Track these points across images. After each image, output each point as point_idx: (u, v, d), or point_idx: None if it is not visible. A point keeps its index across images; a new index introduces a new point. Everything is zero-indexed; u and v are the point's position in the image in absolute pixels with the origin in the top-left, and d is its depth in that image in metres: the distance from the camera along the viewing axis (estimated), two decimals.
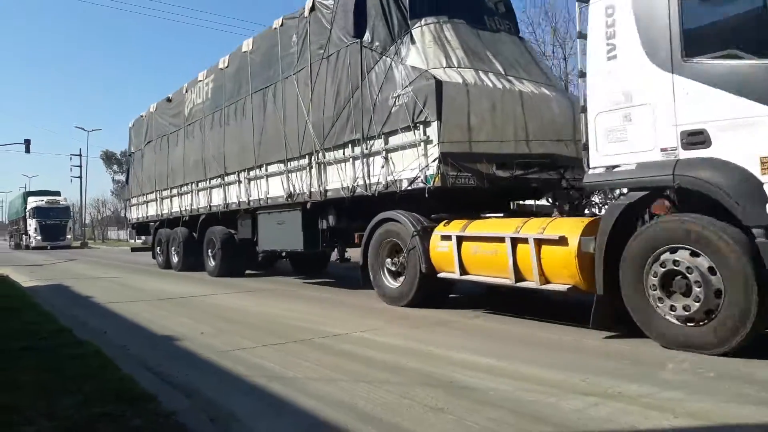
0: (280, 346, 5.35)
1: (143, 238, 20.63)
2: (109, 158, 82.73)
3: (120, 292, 10.24)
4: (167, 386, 3.95)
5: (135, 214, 18.31)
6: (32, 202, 41.78)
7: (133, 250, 21.11)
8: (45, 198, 42.45)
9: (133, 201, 18.37)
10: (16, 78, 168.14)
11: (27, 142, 37.96)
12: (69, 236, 42.23)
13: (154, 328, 6.53)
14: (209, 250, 12.85)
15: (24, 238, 42.76)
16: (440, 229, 7.03)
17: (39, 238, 39.34)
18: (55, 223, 40.52)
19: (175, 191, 14.80)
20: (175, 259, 14.55)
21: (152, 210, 16.50)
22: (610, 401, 3.53)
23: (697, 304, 4.47)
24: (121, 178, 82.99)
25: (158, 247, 15.80)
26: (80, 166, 52.31)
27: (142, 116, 17.69)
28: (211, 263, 12.77)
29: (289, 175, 9.89)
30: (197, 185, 13.54)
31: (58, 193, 46.85)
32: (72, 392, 3.66)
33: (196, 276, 12.81)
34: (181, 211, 14.37)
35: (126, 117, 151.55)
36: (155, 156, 16.13)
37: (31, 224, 40.61)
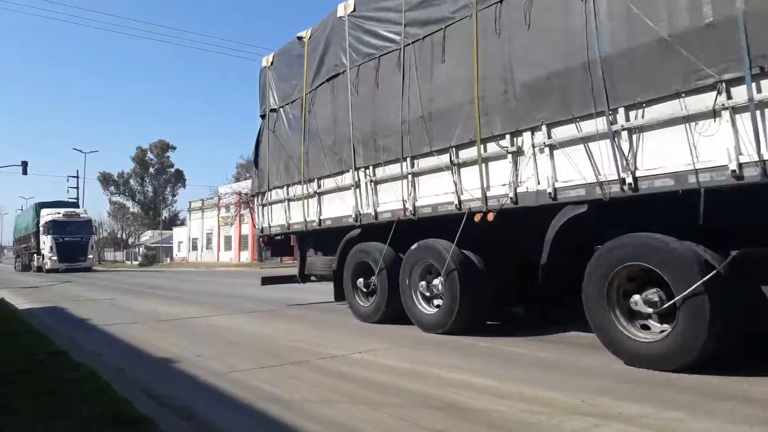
0: (279, 368, 5.31)
1: (280, 259, 13.00)
2: (106, 180, 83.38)
3: (116, 314, 10.18)
4: (165, 409, 3.91)
5: (276, 219, 10.37)
6: (47, 215, 35.05)
7: (266, 282, 11.39)
8: (62, 210, 35.86)
9: (273, 196, 10.39)
10: (14, 98, 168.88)
11: (24, 164, 38.24)
12: (90, 256, 35.49)
13: (150, 350, 6.48)
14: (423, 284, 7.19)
15: (35, 259, 36.38)
16: None
17: (54, 258, 33.02)
18: (75, 241, 33.91)
19: (389, 170, 7.69)
20: (368, 301, 8.29)
21: (334, 207, 8.78)
22: (611, 422, 3.50)
23: None
24: (119, 199, 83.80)
25: (352, 278, 8.45)
26: (77, 188, 52.41)
27: (310, 33, 9.28)
28: (431, 309, 7.15)
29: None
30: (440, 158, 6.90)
31: (76, 205, 41.47)
32: (69, 416, 3.61)
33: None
34: (406, 207, 7.39)
35: (123, 140, 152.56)
36: (338, 105, 8.53)
37: (45, 242, 34.10)
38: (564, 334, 6.60)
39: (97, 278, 25.51)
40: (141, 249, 65.96)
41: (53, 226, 34.13)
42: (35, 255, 36.73)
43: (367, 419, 3.68)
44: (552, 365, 5.21)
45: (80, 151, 56.03)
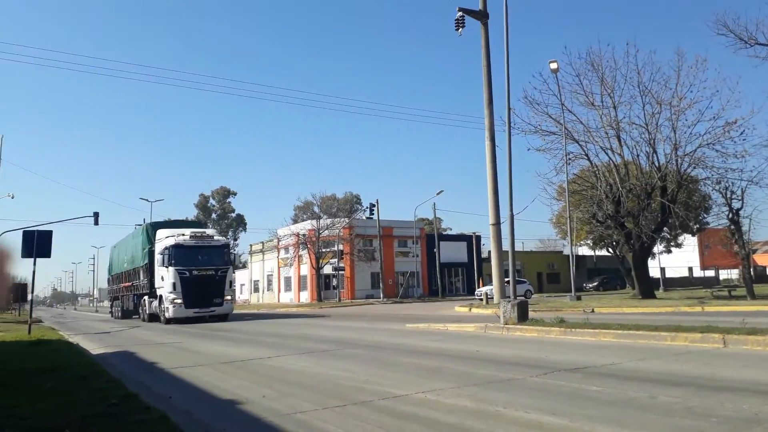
0: (341, 408, 5.27)
1: None
2: None
3: (182, 357, 10.42)
4: None
5: None
6: (165, 237, 23.91)
7: None
8: (188, 231, 24.35)
9: None
10: (84, 152, 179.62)
11: (96, 215, 39.97)
12: (228, 297, 23.98)
13: (216, 392, 6.57)
14: None
15: (147, 303, 25.67)
16: None
17: (179, 301, 22.39)
18: (208, 276, 23.19)
19: None
20: None
21: None
22: None
23: None
24: None
25: None
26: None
27: None
28: None
29: None
30: None
31: (201, 225, 31.28)
32: None
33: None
34: None
35: (187, 189, 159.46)
36: None
37: (165, 277, 22.98)
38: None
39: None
40: None
41: (177, 254, 22.72)
42: (146, 298, 25.91)
43: None
44: (624, 402, 4.95)
45: (147, 200, 58.31)
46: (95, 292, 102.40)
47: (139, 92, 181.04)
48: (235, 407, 5.64)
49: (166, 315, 22.84)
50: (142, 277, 27.26)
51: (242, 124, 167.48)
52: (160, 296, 23.78)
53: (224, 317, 23.85)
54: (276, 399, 5.92)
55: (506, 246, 16.81)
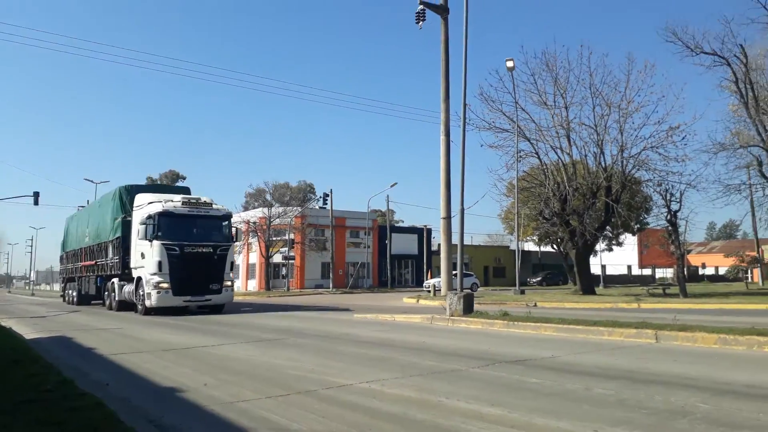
0: (284, 397, 5.25)
1: None
2: None
3: (122, 343, 10.14)
4: None
5: None
6: (148, 203, 18.83)
7: None
8: (178, 197, 19.30)
9: None
10: (26, 130, 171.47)
11: (36, 195, 38.41)
12: (229, 283, 18.87)
13: (156, 379, 6.43)
14: None
15: (117, 288, 20.29)
16: None
17: (166, 285, 17.35)
18: (205, 255, 18.09)
19: None
20: None
21: None
22: None
23: None
24: None
25: None
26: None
27: None
28: None
29: None
30: None
31: (189, 191, 22.41)
32: None
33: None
34: None
35: (134, 172, 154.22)
36: None
37: (149, 254, 17.76)
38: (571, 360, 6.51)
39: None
40: None
41: (165, 225, 17.65)
42: (115, 281, 20.56)
43: None
44: (562, 393, 5.14)
45: (91, 181, 55.86)
46: (32, 275, 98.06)
47: (84, 71, 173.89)
48: (176, 395, 5.53)
49: (147, 303, 17.39)
50: (111, 255, 21.25)
51: (194, 108, 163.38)
52: (138, 279, 18.38)
53: (219, 308, 18.60)
54: (218, 387, 5.84)
55: (456, 240, 17.02)
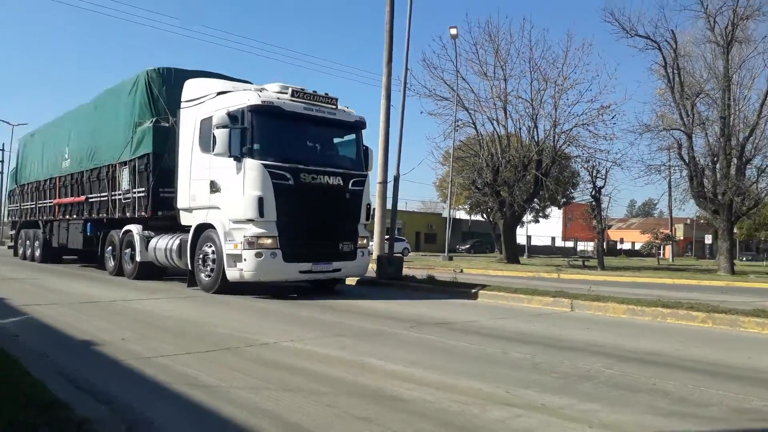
0: (205, 354, 5.19)
1: None
2: None
3: (39, 294, 9.68)
4: (82, 393, 3.75)
5: None
6: (219, 93, 10.55)
7: None
8: (275, 87, 10.29)
9: None
10: None
11: None
12: (365, 240, 11.05)
13: (72, 332, 6.20)
14: None
15: (139, 243, 12.10)
16: None
17: (272, 243, 9.41)
18: (334, 189, 10.23)
19: None
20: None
21: None
22: (533, 413, 3.62)
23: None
24: None
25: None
26: (2, 161, 49.36)
27: None
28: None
29: None
30: None
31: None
32: None
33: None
34: None
35: (54, 111, 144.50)
36: None
37: (238, 185, 9.53)
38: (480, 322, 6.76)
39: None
40: None
41: (268, 129, 9.93)
42: (136, 229, 12.49)
43: (295, 407, 3.64)
44: (480, 357, 5.36)
45: (7, 122, 51.51)
46: None
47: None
48: (91, 348, 5.36)
49: (234, 274, 9.60)
50: (124, 186, 13.05)
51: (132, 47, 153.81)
52: (202, 229, 10.45)
53: (340, 281, 11.52)
54: (137, 341, 5.70)
55: (390, 205, 17.15)
